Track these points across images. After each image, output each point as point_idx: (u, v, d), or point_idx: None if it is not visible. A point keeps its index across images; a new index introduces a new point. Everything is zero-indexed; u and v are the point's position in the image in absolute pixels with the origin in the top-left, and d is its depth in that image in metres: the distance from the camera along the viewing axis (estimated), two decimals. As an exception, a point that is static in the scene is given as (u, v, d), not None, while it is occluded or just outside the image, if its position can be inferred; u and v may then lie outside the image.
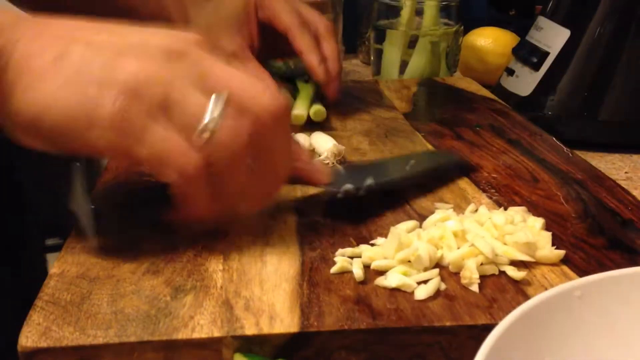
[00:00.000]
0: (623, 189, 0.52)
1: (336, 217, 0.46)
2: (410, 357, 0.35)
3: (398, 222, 0.45)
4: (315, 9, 0.72)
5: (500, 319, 0.28)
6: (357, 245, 0.43)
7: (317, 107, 0.67)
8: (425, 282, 0.38)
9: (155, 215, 0.43)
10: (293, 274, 0.40)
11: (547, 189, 0.52)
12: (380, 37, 0.91)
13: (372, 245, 0.42)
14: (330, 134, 0.62)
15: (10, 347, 0.35)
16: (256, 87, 0.38)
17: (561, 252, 0.41)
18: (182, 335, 0.34)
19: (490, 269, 0.39)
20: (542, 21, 0.76)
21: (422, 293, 0.37)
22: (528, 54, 0.76)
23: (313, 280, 0.39)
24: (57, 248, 0.44)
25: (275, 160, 0.40)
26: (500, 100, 0.77)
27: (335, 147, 0.58)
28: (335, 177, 0.48)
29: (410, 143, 0.63)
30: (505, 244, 0.41)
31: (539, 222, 0.44)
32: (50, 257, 0.54)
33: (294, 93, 0.71)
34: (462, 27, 0.91)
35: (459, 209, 0.48)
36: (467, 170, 0.55)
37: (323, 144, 0.59)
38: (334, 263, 0.40)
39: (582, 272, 0.40)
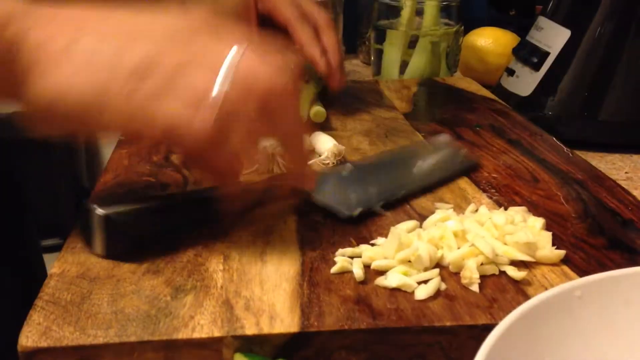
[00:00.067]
0: (623, 189, 0.52)
1: (336, 217, 0.46)
2: (411, 357, 0.35)
3: (398, 222, 0.45)
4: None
5: (501, 319, 0.28)
6: (358, 245, 0.43)
7: (317, 108, 0.67)
8: (425, 282, 0.38)
9: (156, 217, 0.43)
10: (293, 274, 0.40)
11: (547, 189, 0.52)
12: (381, 37, 0.91)
13: (373, 245, 0.42)
14: (331, 134, 0.62)
15: (11, 347, 0.35)
16: (262, 64, 0.38)
17: (561, 252, 0.41)
18: (182, 335, 0.34)
19: (491, 269, 0.39)
20: (543, 21, 0.76)
21: (422, 293, 0.37)
22: (528, 54, 0.76)
23: (313, 280, 0.39)
24: (57, 248, 0.44)
25: (285, 130, 0.41)
26: (500, 101, 0.77)
27: (335, 147, 0.58)
28: (345, 191, 0.48)
29: (410, 143, 0.63)
30: (505, 244, 0.41)
31: (539, 222, 0.44)
32: (50, 257, 0.54)
33: None
34: (463, 27, 0.91)
35: (459, 209, 0.48)
36: (472, 167, 0.55)
37: (323, 143, 0.59)
38: (334, 263, 0.40)
39: (582, 272, 0.40)
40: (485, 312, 0.36)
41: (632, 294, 0.31)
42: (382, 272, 0.39)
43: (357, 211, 0.46)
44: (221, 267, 0.40)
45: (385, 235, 0.43)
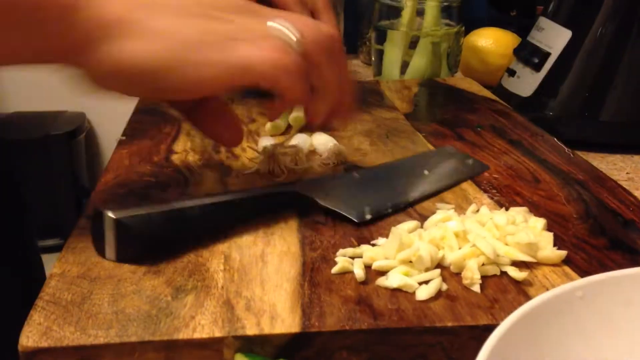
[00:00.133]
0: (624, 189, 0.52)
1: (338, 218, 0.46)
2: (412, 358, 0.35)
3: (399, 222, 0.45)
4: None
5: (502, 319, 0.28)
6: (358, 245, 0.43)
7: (295, 115, 0.65)
8: (426, 282, 0.38)
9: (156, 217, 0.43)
10: (294, 274, 0.40)
11: (548, 190, 0.52)
12: (381, 38, 0.91)
13: (373, 245, 0.42)
14: (331, 134, 0.62)
15: (11, 347, 0.35)
16: (312, 22, 0.45)
17: (563, 253, 0.41)
18: (183, 335, 0.34)
19: (492, 270, 0.39)
20: (544, 22, 0.76)
21: (423, 293, 0.37)
22: (529, 54, 0.76)
23: (314, 281, 0.39)
24: (57, 248, 0.44)
25: (342, 68, 0.47)
26: (501, 101, 0.77)
27: (336, 147, 0.58)
28: (354, 195, 0.49)
29: (411, 144, 0.63)
30: (506, 244, 0.41)
31: (540, 222, 0.44)
32: (50, 257, 0.54)
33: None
34: (463, 28, 0.91)
35: (460, 209, 0.48)
36: (482, 170, 0.55)
37: (324, 144, 0.59)
38: (335, 263, 0.40)
39: (583, 273, 0.40)
40: (486, 312, 0.36)
41: (634, 294, 0.31)
42: (383, 273, 0.39)
43: (368, 216, 0.46)
44: (222, 267, 0.40)
45: (386, 236, 0.42)
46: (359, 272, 0.39)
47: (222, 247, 0.43)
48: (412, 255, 0.39)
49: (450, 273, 0.40)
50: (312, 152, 0.59)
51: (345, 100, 0.48)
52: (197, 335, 0.34)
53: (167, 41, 0.40)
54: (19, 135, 1.98)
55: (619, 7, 0.70)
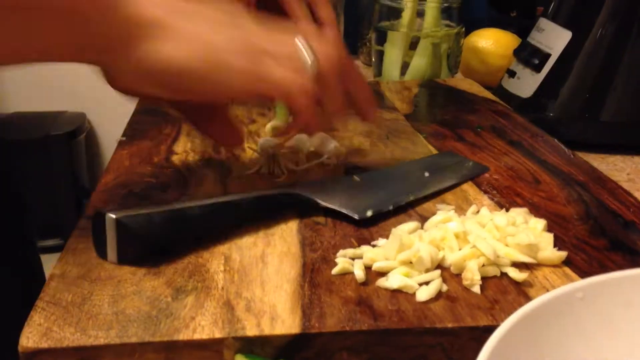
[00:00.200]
0: (625, 190, 0.52)
1: (339, 219, 0.46)
2: (412, 359, 0.35)
3: (399, 223, 0.45)
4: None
5: (502, 320, 0.28)
6: (359, 246, 0.43)
7: (274, 122, 0.65)
8: (426, 283, 0.38)
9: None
10: (294, 275, 0.40)
11: (548, 191, 0.52)
12: (382, 39, 0.91)
13: (374, 246, 0.42)
14: (332, 134, 0.62)
15: (11, 348, 0.35)
16: (323, 40, 0.46)
17: (563, 254, 0.41)
18: (183, 336, 0.34)
19: (492, 271, 0.39)
20: (544, 23, 0.76)
21: (423, 294, 0.37)
22: (529, 55, 0.76)
23: (314, 282, 0.39)
24: (57, 248, 0.44)
25: (358, 83, 0.50)
26: (501, 102, 0.77)
27: (336, 147, 0.58)
28: (355, 195, 0.49)
29: (411, 144, 0.63)
30: (507, 245, 0.41)
31: (540, 223, 0.44)
32: (50, 257, 0.54)
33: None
34: (464, 29, 0.91)
35: (461, 210, 0.48)
36: (482, 172, 0.55)
37: (324, 144, 0.59)
38: (335, 264, 0.40)
39: (583, 274, 0.40)
40: (486, 313, 0.36)
41: (634, 295, 0.31)
42: (383, 274, 0.39)
43: (369, 213, 0.46)
44: (222, 268, 0.40)
45: (387, 236, 0.42)
46: (359, 273, 0.39)
47: (222, 248, 0.43)
48: (413, 256, 0.39)
49: (450, 274, 0.40)
50: (312, 152, 0.59)
51: (366, 107, 0.51)
52: (197, 336, 0.34)
53: (205, 45, 0.41)
54: (19, 135, 1.98)
55: (619, 8, 0.70)
